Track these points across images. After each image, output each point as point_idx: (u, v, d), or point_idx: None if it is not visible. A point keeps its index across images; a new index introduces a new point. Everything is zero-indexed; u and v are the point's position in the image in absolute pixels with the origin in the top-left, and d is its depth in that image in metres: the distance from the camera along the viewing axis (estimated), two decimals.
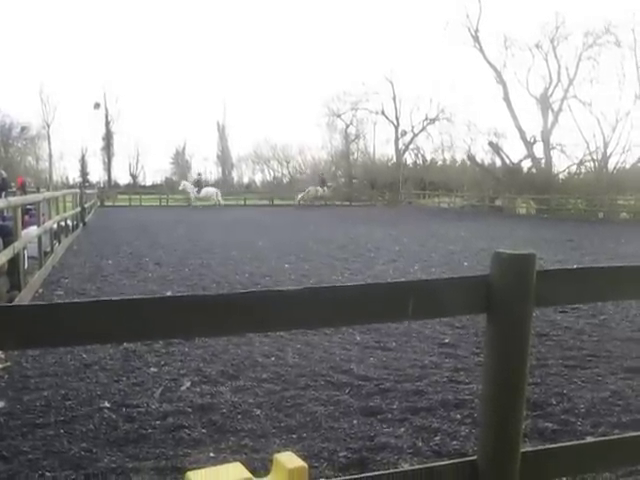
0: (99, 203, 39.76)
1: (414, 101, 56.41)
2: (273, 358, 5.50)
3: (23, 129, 60.76)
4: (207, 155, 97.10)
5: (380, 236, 18.22)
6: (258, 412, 4.23)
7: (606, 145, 37.72)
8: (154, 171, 74.87)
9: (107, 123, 66.23)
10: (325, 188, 43.80)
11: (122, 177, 68.40)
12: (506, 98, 42.03)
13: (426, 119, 52.66)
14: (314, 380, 4.88)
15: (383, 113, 54.84)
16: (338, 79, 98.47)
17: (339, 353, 5.69)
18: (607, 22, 37.33)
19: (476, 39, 42.55)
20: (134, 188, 56.83)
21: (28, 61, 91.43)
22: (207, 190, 41.50)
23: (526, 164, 42.67)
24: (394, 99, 53.83)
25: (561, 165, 41.52)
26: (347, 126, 59.30)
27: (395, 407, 4.30)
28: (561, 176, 40.49)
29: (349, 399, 4.47)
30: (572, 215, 32.39)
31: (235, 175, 74.36)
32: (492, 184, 41.36)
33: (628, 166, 37.65)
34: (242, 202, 45.22)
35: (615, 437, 2.17)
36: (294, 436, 3.86)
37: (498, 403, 1.81)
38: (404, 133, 54.24)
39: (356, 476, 2.00)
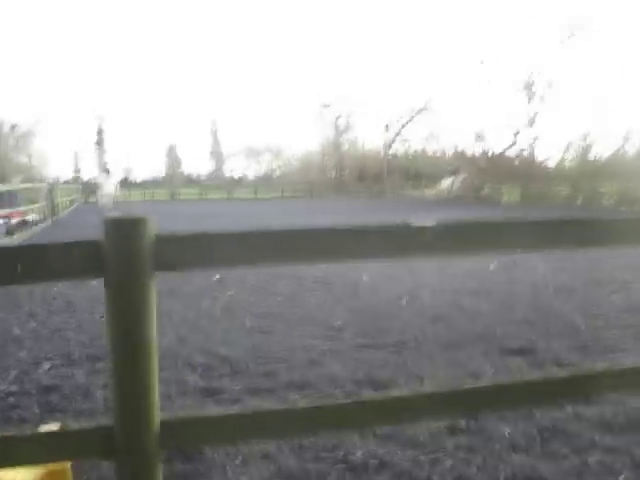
0: (83, 200, 39.72)
1: (401, 93, 56.39)
2: None
3: (13, 127, 60.77)
4: (200, 151, 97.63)
5: None
6: None
7: (587, 134, 37.64)
8: (147, 168, 74.97)
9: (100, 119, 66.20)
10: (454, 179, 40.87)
11: (115, 173, 68.35)
12: (491, 88, 41.94)
13: (413, 111, 52.68)
14: None
15: (371, 106, 54.85)
16: (327, 73, 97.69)
17: None
18: (588, 11, 37.21)
19: None
20: (125, 184, 56.81)
21: (19, 57, 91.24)
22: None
23: (512, 153, 42.61)
24: (381, 92, 53.82)
25: (546, 154, 41.40)
26: (337, 118, 59.37)
27: None
28: (545, 164, 40.41)
29: None
30: (555, 203, 32.27)
31: (227, 170, 74.57)
32: (477, 174, 41.24)
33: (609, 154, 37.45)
34: (225, 196, 45.23)
35: (256, 410, 2.22)
36: None
37: (125, 371, 1.82)
38: (390, 125, 54.21)
39: None
